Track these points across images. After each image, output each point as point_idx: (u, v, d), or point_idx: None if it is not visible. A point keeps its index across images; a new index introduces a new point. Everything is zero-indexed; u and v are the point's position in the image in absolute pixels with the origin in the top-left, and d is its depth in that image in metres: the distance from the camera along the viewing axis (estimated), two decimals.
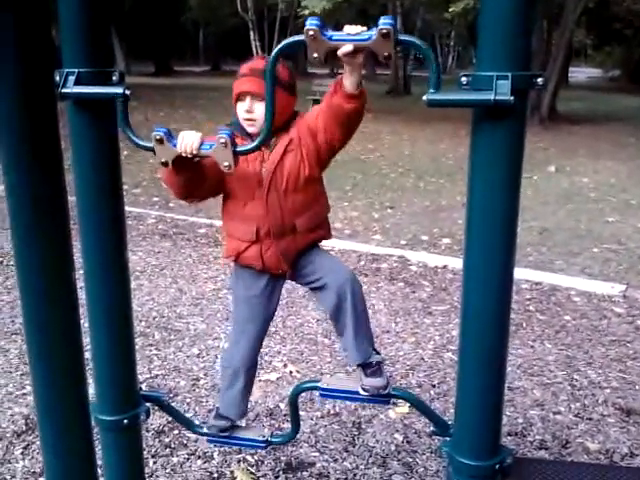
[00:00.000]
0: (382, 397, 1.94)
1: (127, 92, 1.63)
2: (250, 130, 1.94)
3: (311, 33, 1.46)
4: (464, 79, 1.34)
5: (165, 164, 1.76)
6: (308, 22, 1.46)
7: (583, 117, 17.33)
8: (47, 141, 0.80)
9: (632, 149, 12.14)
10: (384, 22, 1.43)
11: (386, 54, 1.45)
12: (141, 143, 1.74)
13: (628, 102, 22.98)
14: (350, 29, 1.52)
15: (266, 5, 25.80)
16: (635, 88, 29.91)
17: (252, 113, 1.91)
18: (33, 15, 0.77)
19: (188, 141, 1.70)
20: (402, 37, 1.46)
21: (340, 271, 2.02)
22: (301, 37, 1.49)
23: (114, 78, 1.65)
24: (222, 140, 1.66)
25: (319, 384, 1.97)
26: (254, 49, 23.96)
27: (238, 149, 1.68)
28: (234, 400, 2.16)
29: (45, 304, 0.89)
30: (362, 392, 1.92)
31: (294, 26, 28.02)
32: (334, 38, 1.50)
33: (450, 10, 15.63)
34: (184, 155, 1.71)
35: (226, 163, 1.68)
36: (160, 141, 1.72)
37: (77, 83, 1.57)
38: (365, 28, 1.51)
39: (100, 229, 1.72)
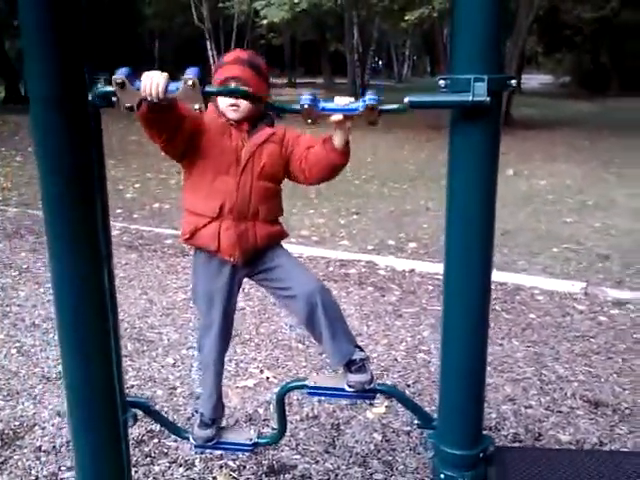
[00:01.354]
0: (367, 392, 1.98)
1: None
2: (232, 116, 1.98)
3: (306, 107, 1.64)
4: (442, 82, 1.41)
5: (130, 109, 1.61)
6: (303, 98, 1.64)
7: (537, 122, 17.80)
8: (81, 144, 0.83)
9: (586, 152, 12.52)
10: (370, 98, 1.63)
11: (372, 120, 1.66)
12: (101, 89, 1.58)
13: (579, 107, 23.70)
14: (340, 100, 1.71)
15: (222, 15, 25.77)
16: (585, 94, 30.86)
17: (237, 99, 1.96)
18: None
19: (153, 83, 1.57)
20: (385, 107, 1.62)
21: (308, 281, 2.03)
22: (297, 107, 1.64)
23: (99, 86, 1.67)
24: (189, 82, 1.51)
25: (306, 382, 2.00)
26: (211, 59, 23.90)
27: (207, 89, 1.56)
28: (209, 394, 2.18)
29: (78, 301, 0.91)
30: (348, 388, 1.97)
31: (251, 36, 28.09)
32: (326, 108, 1.69)
33: (406, 19, 15.87)
34: (149, 99, 1.59)
35: (197, 106, 1.56)
36: (122, 85, 1.56)
37: None
38: (353, 99, 1.72)
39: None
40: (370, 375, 1.98)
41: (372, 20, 26.15)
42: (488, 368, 3.51)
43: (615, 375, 3.49)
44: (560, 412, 3.12)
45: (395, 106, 1.57)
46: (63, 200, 0.84)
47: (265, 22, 16.99)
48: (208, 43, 24.19)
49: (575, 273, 5.23)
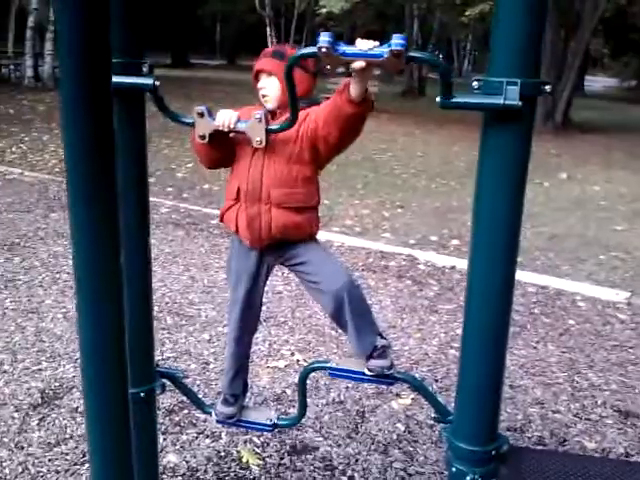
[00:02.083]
0: (386, 378, 2.03)
1: (156, 83, 1.73)
2: (267, 106, 2.03)
3: (324, 50, 1.53)
4: (476, 83, 1.43)
5: (203, 137, 1.93)
6: (320, 39, 1.52)
7: (597, 126, 17.32)
8: (103, 133, 0.90)
9: None
10: (396, 42, 1.48)
11: (397, 68, 1.53)
12: (182, 119, 1.94)
13: None
14: (362, 44, 1.57)
15: (284, 2, 25.88)
16: None
17: (264, 88, 2.02)
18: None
19: (226, 117, 1.89)
20: (413, 54, 1.51)
21: (337, 278, 2.01)
22: (314, 50, 1.55)
23: (144, 69, 1.75)
24: (257, 116, 1.84)
25: (328, 364, 2.07)
26: (270, 45, 24.01)
27: (270, 127, 1.86)
28: (227, 369, 2.24)
29: (94, 277, 0.99)
30: (367, 372, 2.02)
31: (311, 23, 28.12)
32: (347, 53, 1.56)
33: (466, 14, 15.64)
34: (221, 129, 1.89)
35: (258, 138, 1.87)
36: (201, 115, 1.90)
37: None
38: (377, 43, 1.56)
39: (127, 214, 1.82)
40: (390, 362, 2.02)
41: (433, 13, 25.84)
42: (519, 370, 3.53)
43: None
44: (588, 419, 3.10)
45: (425, 55, 1.51)
46: (82, 181, 0.92)
47: (324, 11, 16.97)
48: (268, 30, 24.35)
49: (620, 282, 5.13)
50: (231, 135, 1.95)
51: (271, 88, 2.01)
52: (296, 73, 1.92)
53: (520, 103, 1.36)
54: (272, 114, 2.03)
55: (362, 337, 2.02)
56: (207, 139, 1.93)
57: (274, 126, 1.88)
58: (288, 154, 1.99)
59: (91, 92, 0.87)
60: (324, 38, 1.52)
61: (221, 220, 2.15)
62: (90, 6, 0.85)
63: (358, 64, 1.61)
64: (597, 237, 6.47)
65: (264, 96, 2.03)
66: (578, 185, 9.28)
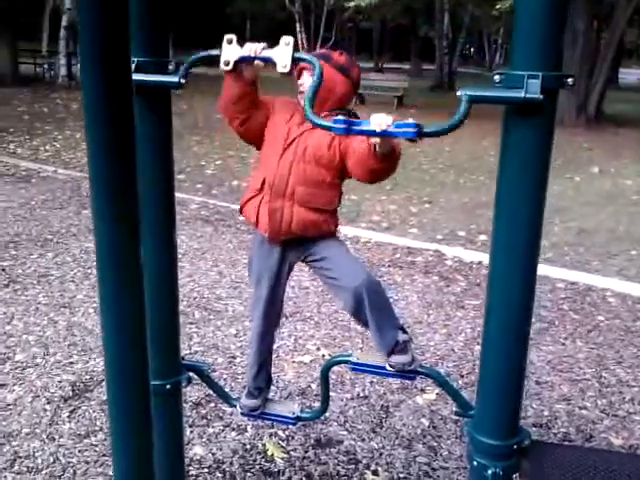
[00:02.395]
0: (408, 373, 2.04)
1: (183, 81, 1.76)
2: (302, 103, 2.05)
3: (339, 134, 1.65)
4: (497, 77, 1.43)
5: (227, 64, 1.88)
6: (335, 126, 1.59)
7: (631, 119, 16.96)
8: (124, 131, 0.93)
9: None
10: (407, 132, 1.54)
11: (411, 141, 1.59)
12: (207, 53, 1.91)
13: None
14: (376, 120, 1.60)
15: None
16: None
17: (302, 86, 2.05)
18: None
19: (253, 45, 1.86)
20: (427, 131, 1.54)
21: (356, 276, 2.03)
22: (330, 125, 1.61)
23: (170, 67, 1.79)
24: (287, 40, 1.79)
25: (350, 358, 2.08)
26: (300, 41, 24.07)
27: (297, 55, 1.79)
28: (251, 364, 2.27)
29: (117, 274, 1.02)
30: (388, 368, 2.03)
31: (340, 19, 28.07)
32: (363, 131, 1.63)
33: (497, 7, 15.47)
34: (248, 54, 1.85)
35: (284, 63, 1.79)
36: (229, 42, 1.87)
37: (136, 71, 1.71)
38: (390, 121, 1.59)
39: (153, 210, 1.86)
40: (411, 357, 2.03)
41: (464, 6, 25.59)
42: (546, 366, 3.50)
43: None
44: (616, 416, 3.07)
45: (438, 128, 1.51)
46: (104, 172, 0.95)
47: (352, 4, 16.93)
48: (298, 26, 24.39)
49: None
50: (256, 63, 1.89)
51: (307, 85, 2.02)
52: (337, 76, 1.97)
53: (541, 97, 1.35)
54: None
55: (384, 333, 2.04)
56: (231, 66, 1.88)
57: (302, 54, 1.83)
58: (319, 157, 2.03)
59: (112, 90, 0.90)
60: (339, 125, 1.59)
61: (241, 211, 2.17)
62: (110, 7, 0.88)
63: (374, 140, 1.73)
64: (628, 232, 6.36)
65: (302, 92, 2.05)
66: (610, 179, 9.11)
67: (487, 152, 10.98)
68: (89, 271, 4.62)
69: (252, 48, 1.85)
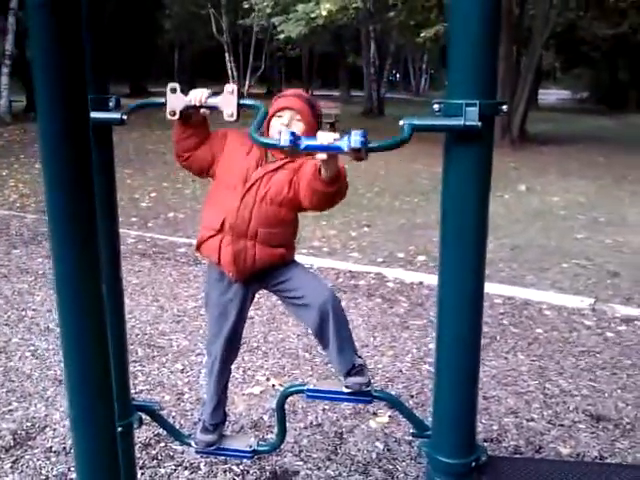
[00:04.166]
0: (364, 396, 2.06)
1: (124, 117, 1.74)
2: None
3: (286, 149, 1.62)
4: (436, 106, 1.49)
5: (173, 114, 1.90)
6: (282, 137, 1.60)
7: (553, 138, 17.79)
8: (81, 162, 0.91)
9: (601, 168, 12.51)
10: (355, 140, 1.57)
11: (358, 158, 1.61)
12: (154, 101, 1.96)
13: (596, 123, 23.64)
14: (323, 137, 1.65)
15: (241, 28, 26.10)
16: (603, 110, 30.79)
17: (289, 127, 2.00)
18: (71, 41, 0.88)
19: (198, 92, 1.88)
20: (373, 145, 1.58)
21: (321, 291, 2.09)
22: (275, 143, 1.64)
23: (110, 104, 1.77)
24: (230, 88, 1.83)
25: (306, 387, 2.08)
26: (229, 70, 24.18)
27: (243, 102, 1.84)
28: (210, 399, 2.24)
29: (78, 310, 1.00)
30: (345, 389, 2.04)
31: (269, 49, 28.38)
32: (310, 147, 1.65)
33: (421, 35, 16.00)
34: (193, 103, 1.87)
35: (229, 111, 1.83)
36: (173, 90, 1.88)
37: None
38: (337, 135, 1.64)
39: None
40: (367, 378, 2.06)
41: (389, 34, 26.32)
42: (491, 381, 3.58)
43: (619, 390, 3.52)
44: (562, 425, 3.16)
45: (382, 143, 1.55)
46: (63, 209, 0.93)
47: (282, 36, 17.17)
48: (227, 55, 24.51)
49: (584, 289, 5.25)
50: (202, 111, 1.91)
51: (294, 129, 1.96)
52: (308, 114, 2.05)
53: (480, 124, 1.41)
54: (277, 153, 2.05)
55: (344, 353, 2.07)
56: (178, 116, 1.90)
57: (246, 101, 1.87)
58: (281, 198, 2.04)
59: (70, 128, 0.89)
60: (285, 137, 1.60)
61: (198, 249, 2.15)
62: (65, 44, 0.87)
63: (320, 156, 1.72)
64: (559, 246, 6.62)
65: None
66: (537, 196, 9.49)
67: (419, 175, 11.26)
68: (23, 313, 4.45)
69: (197, 97, 1.86)
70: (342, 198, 1.96)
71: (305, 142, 1.64)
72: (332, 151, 1.66)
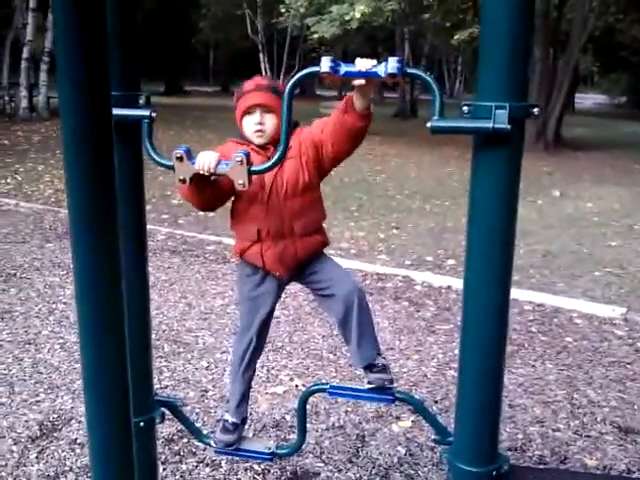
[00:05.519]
0: (386, 394, 2.05)
1: (153, 114, 1.76)
2: (258, 141, 2.06)
3: (326, 72, 1.65)
4: (465, 108, 1.46)
5: (183, 181, 1.85)
6: (322, 63, 1.65)
7: (588, 143, 17.47)
8: (103, 158, 0.92)
9: (636, 175, 12.25)
10: (392, 66, 1.62)
11: (395, 83, 1.66)
12: (162, 161, 1.85)
13: (633, 129, 23.14)
14: (361, 64, 1.68)
15: (276, 28, 26.21)
16: None
17: (263, 125, 2.04)
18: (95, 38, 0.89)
19: (206, 160, 1.82)
20: (409, 70, 1.63)
21: (347, 282, 2.13)
22: (316, 69, 1.66)
23: (141, 101, 1.79)
24: (238, 158, 1.77)
25: (327, 386, 2.08)
26: (263, 70, 24.28)
27: (253, 168, 1.79)
28: (236, 397, 2.25)
29: (97, 304, 1.00)
30: (368, 385, 2.04)
31: (303, 49, 28.43)
32: (348, 72, 1.68)
33: (455, 37, 15.86)
34: (202, 173, 1.83)
35: (241, 181, 1.79)
36: (180, 159, 1.82)
37: None
38: (375, 61, 1.67)
39: (126, 243, 1.83)
40: (390, 376, 2.07)
41: (423, 36, 26.17)
42: (518, 389, 3.52)
43: None
44: (589, 437, 3.09)
45: (419, 72, 1.62)
46: (83, 202, 0.94)
47: (316, 37, 17.19)
48: (261, 55, 24.64)
49: (616, 298, 5.14)
50: (212, 178, 1.88)
51: (269, 124, 2.03)
52: (277, 103, 1.98)
53: (509, 127, 1.39)
54: (260, 148, 2.06)
55: (363, 346, 2.08)
56: (188, 182, 1.85)
57: (257, 167, 1.81)
58: (300, 186, 2.06)
59: (92, 127, 0.89)
60: (326, 62, 1.64)
61: (240, 257, 2.17)
62: (89, 42, 0.87)
63: (358, 81, 1.74)
64: (591, 253, 6.50)
65: (259, 131, 2.05)
66: (571, 202, 9.33)
67: (451, 178, 11.16)
68: (54, 306, 4.52)
69: (205, 164, 1.81)
70: (365, 136, 1.97)
71: (345, 68, 1.68)
72: (370, 77, 1.69)
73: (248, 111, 2.06)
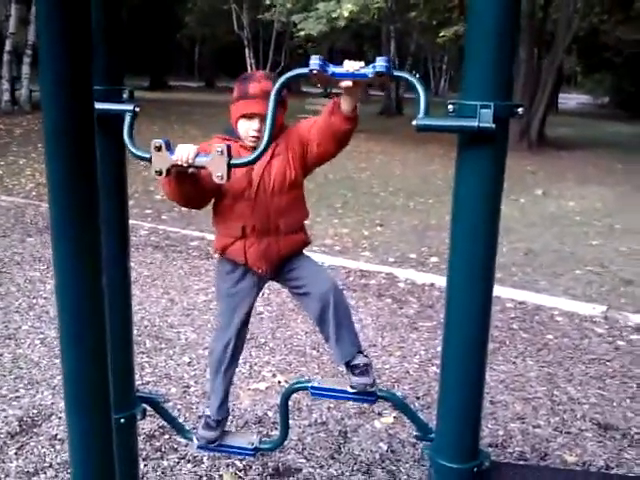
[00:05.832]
0: (369, 395, 2.05)
1: (137, 109, 1.74)
2: (251, 144, 2.06)
3: (314, 72, 1.66)
4: (451, 107, 1.47)
5: (159, 173, 1.79)
6: (312, 62, 1.66)
7: (571, 142, 17.64)
8: (85, 152, 0.91)
9: (619, 175, 12.39)
10: (380, 65, 1.64)
11: (382, 84, 1.64)
12: (138, 153, 1.81)
13: (616, 129, 23.41)
14: (349, 65, 1.71)
15: (262, 24, 26.13)
16: (624, 115, 30.49)
17: (261, 132, 2.00)
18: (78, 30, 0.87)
19: (184, 151, 1.78)
20: (396, 73, 1.64)
21: (323, 280, 2.13)
22: (305, 70, 1.67)
23: (124, 95, 1.78)
24: (219, 149, 1.73)
25: (310, 384, 2.08)
26: (249, 66, 24.21)
27: (233, 162, 1.75)
28: (216, 394, 2.23)
29: (77, 301, 0.99)
30: (350, 389, 2.04)
31: (289, 45, 28.38)
32: (336, 74, 1.70)
33: (441, 35, 15.92)
34: (180, 164, 1.78)
35: (219, 173, 1.74)
36: (158, 148, 1.77)
37: None
38: (363, 64, 1.69)
39: (107, 237, 1.82)
40: (372, 379, 2.06)
41: (409, 34, 26.22)
42: (499, 386, 3.55)
43: (628, 400, 3.48)
44: (568, 433, 3.13)
45: (405, 74, 1.63)
46: (64, 195, 0.93)
47: (302, 34, 17.17)
48: (247, 51, 24.56)
49: (597, 296, 5.20)
50: (190, 171, 1.83)
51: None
52: (278, 111, 1.97)
53: (494, 126, 1.39)
54: (248, 149, 2.05)
55: (342, 343, 2.08)
56: (164, 174, 1.80)
57: (237, 160, 1.78)
58: (287, 183, 2.07)
59: (74, 120, 0.88)
60: (315, 61, 1.65)
61: (221, 254, 2.16)
62: (72, 35, 0.86)
63: (345, 83, 1.75)
64: (573, 252, 6.56)
65: (255, 137, 2.04)
66: (554, 201, 9.41)
67: (435, 176, 11.21)
68: (34, 301, 4.48)
69: (183, 155, 1.77)
70: (351, 137, 1.98)
71: (333, 69, 1.70)
72: (358, 78, 1.71)
73: (248, 115, 2.04)
